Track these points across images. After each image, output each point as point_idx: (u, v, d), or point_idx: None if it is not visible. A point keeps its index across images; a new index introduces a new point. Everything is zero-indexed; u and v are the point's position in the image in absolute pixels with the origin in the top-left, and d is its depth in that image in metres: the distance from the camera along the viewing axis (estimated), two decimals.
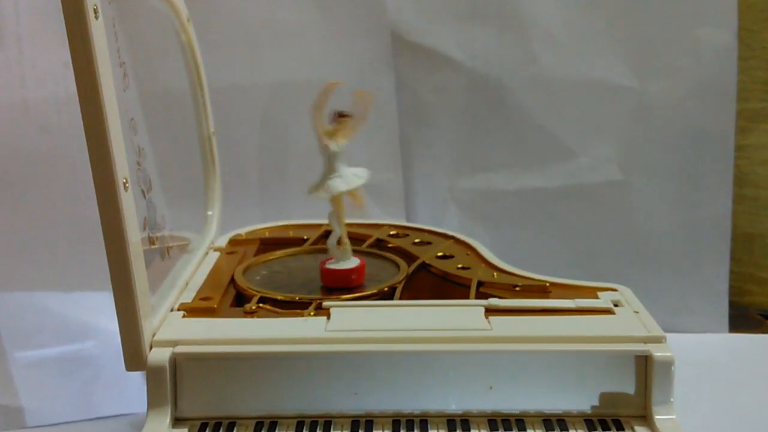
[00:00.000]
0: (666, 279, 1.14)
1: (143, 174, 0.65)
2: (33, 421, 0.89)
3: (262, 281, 0.76)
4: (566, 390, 0.62)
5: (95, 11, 0.53)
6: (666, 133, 1.12)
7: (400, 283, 0.75)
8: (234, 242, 0.89)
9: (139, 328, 0.59)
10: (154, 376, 0.60)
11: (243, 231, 0.92)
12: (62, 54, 0.93)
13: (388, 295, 0.73)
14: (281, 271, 0.80)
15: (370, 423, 0.61)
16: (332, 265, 0.75)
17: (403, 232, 0.91)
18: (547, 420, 0.62)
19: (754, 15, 1.15)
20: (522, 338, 0.62)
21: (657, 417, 0.61)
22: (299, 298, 0.70)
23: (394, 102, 1.14)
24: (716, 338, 1.11)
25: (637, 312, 0.67)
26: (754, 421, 0.88)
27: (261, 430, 0.61)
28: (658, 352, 0.61)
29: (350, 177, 0.73)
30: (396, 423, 0.61)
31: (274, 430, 0.61)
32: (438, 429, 0.61)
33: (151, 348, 0.61)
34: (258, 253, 0.86)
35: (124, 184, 0.56)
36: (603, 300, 0.69)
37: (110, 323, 0.60)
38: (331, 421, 0.61)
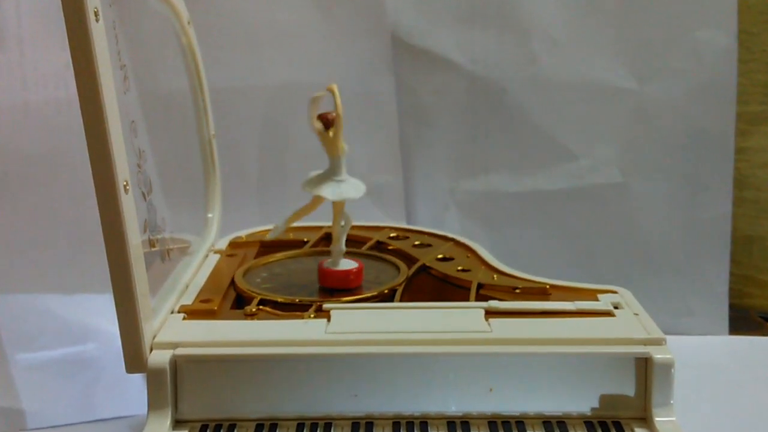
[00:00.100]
0: (666, 281, 1.14)
1: (144, 176, 0.65)
2: (34, 423, 0.89)
3: (263, 283, 0.76)
4: (566, 392, 0.62)
5: (96, 14, 0.53)
6: (666, 135, 1.12)
7: (400, 285, 0.75)
8: (234, 244, 0.89)
9: (140, 331, 0.59)
10: (154, 378, 0.60)
11: (243, 233, 0.92)
12: (63, 56, 0.94)
13: (388, 297, 0.73)
14: (281, 274, 0.80)
15: (370, 425, 0.61)
16: (330, 266, 0.75)
17: (403, 234, 0.91)
18: (547, 422, 0.62)
19: (754, 17, 1.15)
20: (522, 340, 0.62)
21: (657, 419, 0.61)
22: (299, 301, 0.70)
23: (395, 104, 1.14)
24: (716, 340, 1.11)
25: (637, 314, 0.67)
26: (754, 423, 0.88)
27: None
28: (658, 354, 0.61)
29: (355, 186, 0.73)
30: (396, 425, 0.61)
31: None
32: (438, 431, 0.61)
33: (151, 350, 0.61)
34: (258, 255, 0.86)
35: (125, 186, 0.56)
36: (603, 302, 0.69)
37: (111, 325, 0.61)
38: (331, 423, 0.61)
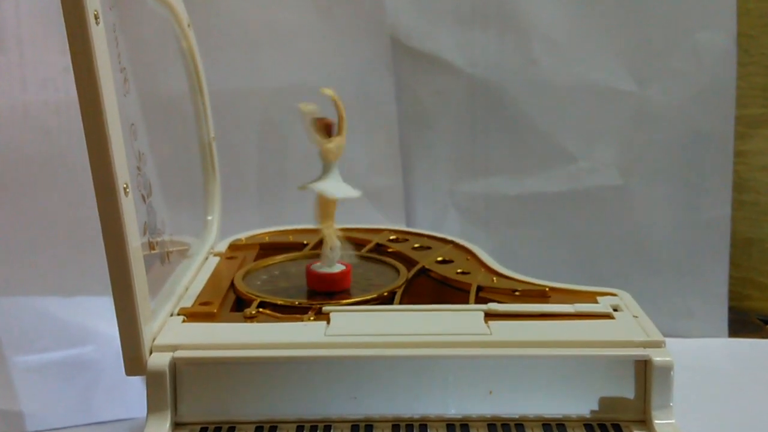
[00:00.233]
0: (665, 283, 1.14)
1: (143, 179, 0.65)
2: (33, 425, 0.89)
3: (262, 286, 0.76)
4: (566, 394, 0.62)
5: (96, 17, 0.53)
6: (666, 137, 1.12)
7: (399, 287, 0.75)
8: (234, 247, 0.89)
9: (139, 333, 0.59)
10: (153, 380, 0.60)
11: (243, 236, 0.92)
12: (63, 59, 0.94)
13: (387, 299, 0.73)
14: (281, 276, 0.80)
15: (369, 427, 0.61)
16: (318, 269, 0.75)
17: (403, 236, 0.91)
18: (546, 424, 0.62)
19: (753, 20, 1.15)
20: (521, 343, 0.62)
21: (656, 421, 0.61)
22: (299, 303, 0.70)
23: (394, 105, 1.14)
24: (716, 343, 1.11)
25: (636, 316, 0.67)
26: (754, 426, 0.88)
27: None
28: (657, 357, 0.61)
29: (345, 188, 0.73)
30: (395, 427, 0.61)
31: None
32: None
33: (150, 353, 0.61)
34: (258, 257, 0.86)
35: (125, 188, 0.56)
36: (602, 305, 0.69)
37: (110, 328, 0.60)
38: (330, 426, 0.61)
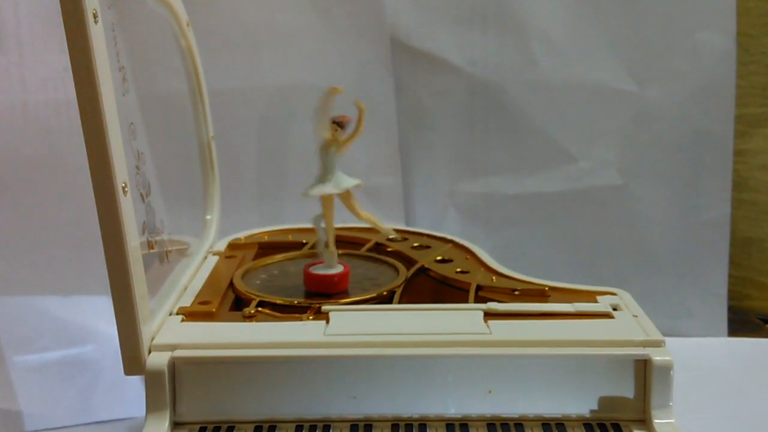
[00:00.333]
0: (665, 283, 1.14)
1: (142, 178, 0.65)
2: (32, 425, 0.89)
3: (261, 285, 0.76)
4: (565, 394, 0.62)
5: (95, 16, 0.53)
6: (665, 137, 1.12)
7: (399, 287, 0.75)
8: (233, 246, 0.89)
9: (138, 332, 0.59)
10: (152, 380, 0.60)
11: (242, 235, 0.92)
12: (62, 58, 0.93)
13: (387, 299, 0.73)
14: (280, 275, 0.80)
15: (369, 427, 0.61)
16: (316, 270, 0.75)
17: (402, 236, 0.91)
18: (546, 424, 0.62)
19: (753, 20, 1.15)
20: (521, 342, 0.62)
21: (656, 421, 0.61)
22: (298, 302, 0.70)
23: (394, 105, 1.14)
24: (715, 342, 1.11)
25: (636, 316, 0.67)
26: (754, 425, 0.88)
27: None
28: (657, 356, 0.61)
29: (342, 181, 0.73)
30: (395, 427, 0.61)
31: None
32: None
33: (149, 352, 0.61)
34: (257, 257, 0.86)
35: (123, 188, 0.56)
36: (602, 304, 0.69)
37: (109, 327, 0.60)
38: (330, 425, 0.61)
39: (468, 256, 0.84)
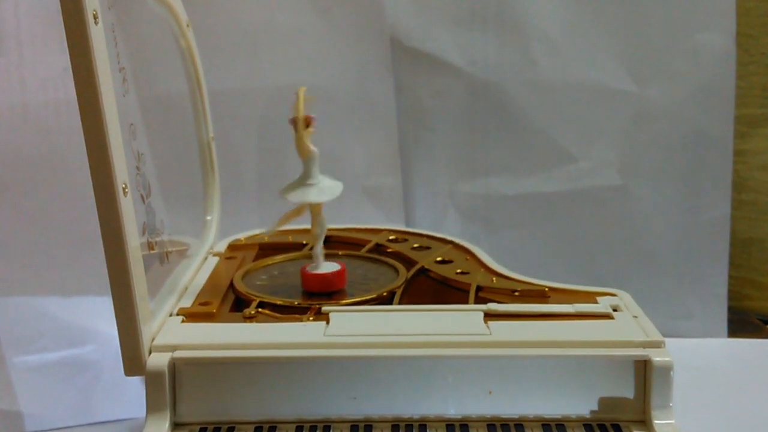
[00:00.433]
0: (665, 283, 1.14)
1: (142, 179, 0.65)
2: (32, 425, 0.89)
3: (262, 286, 0.76)
4: (565, 395, 0.62)
5: (95, 17, 0.53)
6: (665, 137, 1.12)
7: (399, 287, 0.75)
8: (233, 247, 0.89)
9: (138, 333, 0.59)
10: (153, 380, 0.60)
11: (242, 236, 0.92)
12: (62, 59, 0.93)
13: (387, 299, 0.73)
14: (280, 276, 0.80)
15: (369, 428, 0.61)
16: (313, 270, 0.75)
17: (402, 236, 0.91)
18: (546, 425, 0.62)
19: (753, 20, 1.15)
20: (521, 343, 0.62)
21: (656, 421, 0.61)
22: (298, 303, 0.70)
23: (394, 106, 1.14)
24: (715, 343, 1.11)
25: (636, 317, 0.67)
26: (754, 426, 0.88)
27: None
28: (657, 357, 0.61)
29: (326, 188, 0.73)
30: (395, 428, 0.61)
31: None
32: None
33: (150, 353, 0.61)
34: (257, 257, 0.86)
35: (124, 189, 0.56)
36: (602, 305, 0.69)
37: (109, 328, 0.60)
38: (330, 426, 0.61)
39: (468, 257, 0.84)
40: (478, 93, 1.13)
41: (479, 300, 0.72)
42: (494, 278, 0.77)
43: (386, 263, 0.82)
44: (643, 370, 0.62)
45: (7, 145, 0.94)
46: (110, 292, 0.57)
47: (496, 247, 1.13)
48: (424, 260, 0.82)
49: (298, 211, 0.75)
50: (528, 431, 0.61)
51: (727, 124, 1.10)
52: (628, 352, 0.62)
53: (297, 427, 0.61)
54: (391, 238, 0.90)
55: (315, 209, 0.74)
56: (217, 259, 0.84)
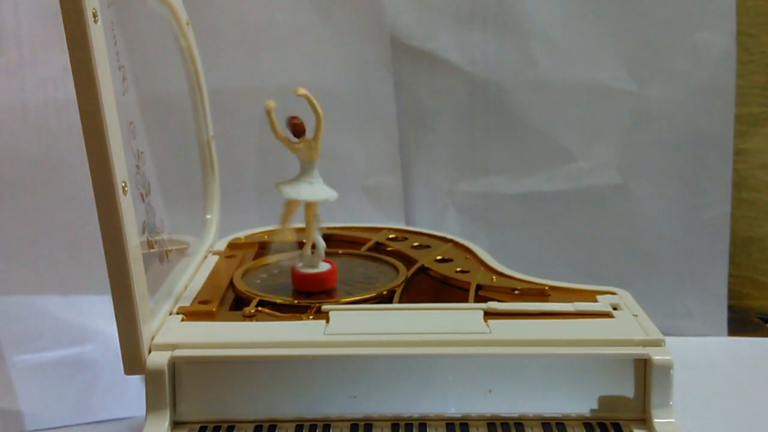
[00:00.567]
0: (665, 282, 1.14)
1: (142, 177, 0.65)
2: (32, 424, 0.89)
3: (261, 285, 0.76)
4: (565, 393, 0.62)
5: (94, 15, 0.53)
6: (665, 136, 1.12)
7: (399, 286, 0.75)
8: (233, 246, 0.89)
9: (138, 332, 0.59)
10: (152, 379, 0.60)
11: (242, 234, 0.92)
12: (62, 58, 0.93)
13: (387, 298, 0.73)
14: (280, 275, 0.80)
15: (369, 426, 0.61)
16: (303, 269, 0.75)
17: (402, 235, 0.91)
18: (546, 423, 0.62)
19: (753, 19, 1.15)
20: (521, 341, 0.62)
21: (656, 420, 0.61)
22: (298, 302, 0.70)
23: (394, 105, 1.14)
24: (715, 342, 1.11)
25: (636, 315, 0.67)
26: (754, 425, 0.88)
27: None
28: (657, 356, 0.61)
29: (322, 190, 0.73)
30: (395, 426, 0.61)
31: None
32: None
33: (149, 351, 0.61)
34: (257, 256, 0.86)
35: (123, 187, 0.56)
36: (602, 303, 0.69)
37: (109, 327, 0.60)
38: (330, 425, 0.61)
39: (468, 256, 0.84)
40: (478, 92, 1.13)
41: (479, 299, 0.72)
42: (494, 277, 0.77)
43: (386, 262, 0.82)
44: (643, 368, 0.61)
45: (7, 145, 0.94)
46: (110, 291, 0.57)
47: (496, 245, 1.13)
48: (424, 259, 0.82)
49: (291, 207, 0.75)
50: (528, 430, 0.61)
51: (728, 123, 1.10)
52: (628, 351, 0.62)
53: (297, 426, 0.61)
54: (391, 236, 0.90)
55: (309, 208, 0.74)
56: (216, 257, 0.84)
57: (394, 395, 0.62)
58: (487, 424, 0.62)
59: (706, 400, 0.92)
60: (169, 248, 0.73)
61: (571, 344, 0.62)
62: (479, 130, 1.15)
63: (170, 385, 0.61)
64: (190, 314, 0.68)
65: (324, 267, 0.75)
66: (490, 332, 0.63)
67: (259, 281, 0.77)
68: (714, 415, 0.88)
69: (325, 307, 0.68)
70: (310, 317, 0.67)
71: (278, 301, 0.70)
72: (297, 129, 0.71)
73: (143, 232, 0.64)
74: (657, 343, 0.62)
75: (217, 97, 0.96)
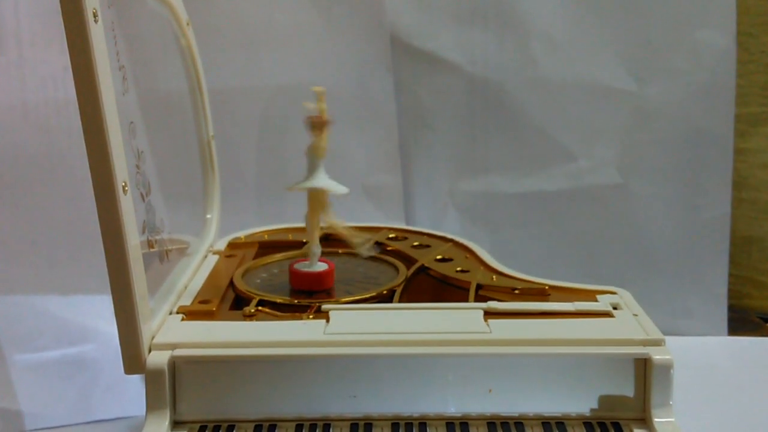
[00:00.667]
0: (665, 282, 1.14)
1: (142, 177, 0.65)
2: (32, 424, 0.89)
3: (261, 284, 0.76)
4: (565, 393, 0.62)
5: (95, 15, 0.53)
6: (665, 136, 1.12)
7: (399, 286, 0.75)
8: (233, 245, 0.89)
9: (138, 331, 0.59)
10: (152, 379, 0.60)
11: (242, 234, 0.92)
12: (62, 57, 0.93)
13: (387, 298, 0.73)
14: (280, 274, 0.80)
15: (369, 426, 0.61)
16: (301, 268, 0.75)
17: (402, 235, 0.91)
18: (546, 423, 0.62)
19: (753, 19, 1.15)
20: (521, 341, 0.62)
21: (656, 420, 0.61)
22: (298, 301, 0.70)
23: (394, 104, 1.14)
24: (715, 341, 1.11)
25: (636, 315, 0.67)
26: (753, 424, 0.88)
27: None
28: (657, 355, 0.61)
29: (331, 183, 0.73)
30: (395, 426, 0.61)
31: None
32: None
33: (150, 351, 0.61)
34: (257, 256, 0.86)
35: (123, 187, 0.56)
36: (602, 303, 0.69)
37: (109, 326, 0.60)
38: (329, 424, 0.61)
39: (468, 255, 0.84)
40: (478, 91, 1.13)
41: (479, 298, 0.72)
42: (494, 276, 0.77)
43: (386, 261, 0.82)
44: (643, 368, 0.61)
45: (7, 144, 0.94)
46: (110, 291, 0.57)
47: (496, 245, 1.13)
48: (424, 258, 0.82)
49: (322, 202, 0.74)
50: (528, 430, 0.61)
51: (728, 122, 1.10)
52: (628, 351, 0.62)
53: (297, 425, 0.61)
54: (391, 236, 0.90)
55: (321, 202, 0.74)
56: (216, 257, 0.84)
57: (394, 395, 0.62)
58: (487, 423, 0.62)
59: (706, 399, 0.92)
60: (169, 248, 0.73)
61: (571, 344, 0.62)
62: (479, 130, 1.15)
63: (170, 384, 0.61)
64: (190, 314, 0.68)
65: (321, 266, 0.75)
66: (490, 332, 0.63)
67: (259, 281, 0.77)
68: (714, 415, 0.88)
69: (325, 306, 0.68)
70: (310, 317, 0.67)
71: (278, 300, 0.70)
72: (322, 126, 0.71)
73: (143, 232, 0.64)
74: (657, 343, 0.62)
75: (217, 97, 0.96)
